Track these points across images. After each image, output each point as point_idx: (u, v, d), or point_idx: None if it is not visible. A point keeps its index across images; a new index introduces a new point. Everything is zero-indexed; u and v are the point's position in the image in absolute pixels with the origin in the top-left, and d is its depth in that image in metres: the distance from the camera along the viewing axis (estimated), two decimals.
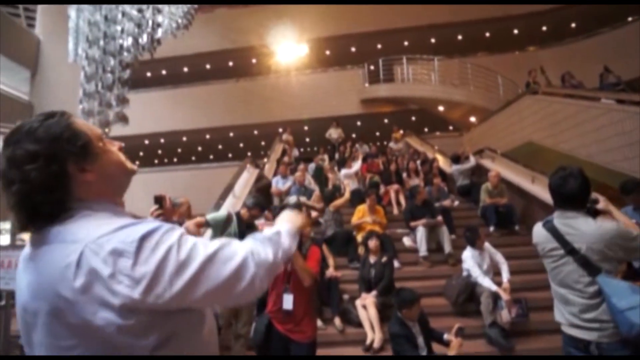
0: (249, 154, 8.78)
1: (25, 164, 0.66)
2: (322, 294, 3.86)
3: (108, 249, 0.62)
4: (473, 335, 3.42)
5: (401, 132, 11.24)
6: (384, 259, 4.04)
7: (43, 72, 14.14)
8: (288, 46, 14.11)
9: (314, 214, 5.17)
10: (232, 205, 5.68)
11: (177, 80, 14.59)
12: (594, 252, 1.56)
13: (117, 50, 5.39)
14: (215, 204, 5.36)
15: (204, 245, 0.69)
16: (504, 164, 6.88)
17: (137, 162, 15.65)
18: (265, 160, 8.81)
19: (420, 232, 4.84)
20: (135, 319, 0.62)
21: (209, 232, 3.62)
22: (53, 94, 13.27)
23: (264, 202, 3.88)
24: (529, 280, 4.14)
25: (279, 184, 6.93)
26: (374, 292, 3.81)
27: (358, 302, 3.78)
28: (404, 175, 7.40)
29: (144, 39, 5.47)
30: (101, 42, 5.34)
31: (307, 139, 14.97)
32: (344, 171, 7.23)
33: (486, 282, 3.67)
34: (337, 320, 3.75)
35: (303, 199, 5.36)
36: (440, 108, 12.15)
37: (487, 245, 3.98)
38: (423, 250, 4.79)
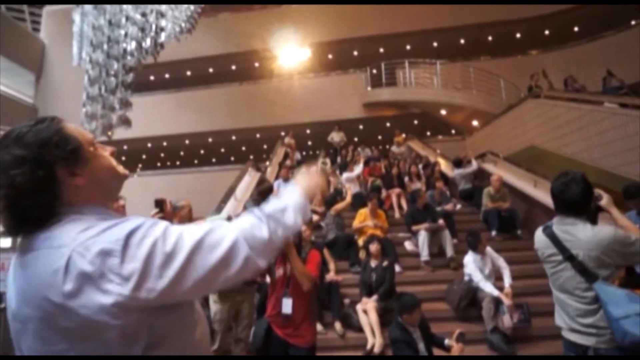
0: (251, 157, 8.78)
1: (11, 169, 0.66)
2: (323, 298, 3.85)
3: (95, 250, 0.62)
4: (474, 340, 3.41)
5: (403, 135, 11.24)
6: (385, 263, 4.02)
7: (47, 75, 14.29)
8: (291, 50, 14.21)
9: (315, 217, 5.16)
10: (234, 208, 5.70)
11: (180, 83, 14.67)
12: (590, 259, 1.56)
13: (120, 54, 5.45)
14: (217, 207, 5.38)
15: (190, 233, 0.68)
16: (506, 168, 6.87)
17: (140, 165, 15.85)
18: (267, 163, 8.84)
19: (422, 236, 4.82)
20: (128, 319, 0.62)
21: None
22: (57, 97, 13.41)
23: None
24: (531, 285, 4.11)
25: (280, 187, 6.94)
26: (374, 297, 3.80)
27: (359, 307, 3.77)
28: (406, 179, 7.38)
29: (147, 42, 5.53)
30: (105, 46, 5.41)
31: (310, 143, 15.01)
32: (345, 175, 7.23)
33: (488, 287, 3.65)
34: (338, 325, 3.73)
35: None
36: (443, 112, 12.15)
37: (489, 249, 3.96)
38: (425, 255, 4.77)
